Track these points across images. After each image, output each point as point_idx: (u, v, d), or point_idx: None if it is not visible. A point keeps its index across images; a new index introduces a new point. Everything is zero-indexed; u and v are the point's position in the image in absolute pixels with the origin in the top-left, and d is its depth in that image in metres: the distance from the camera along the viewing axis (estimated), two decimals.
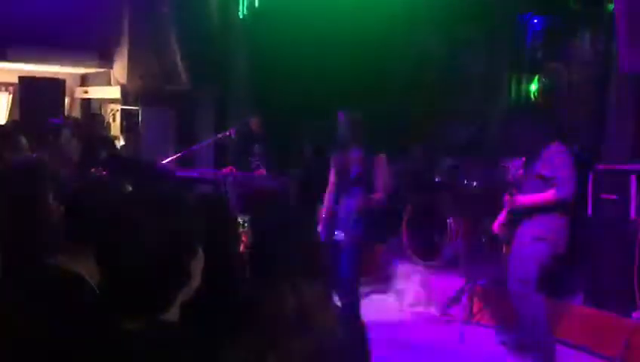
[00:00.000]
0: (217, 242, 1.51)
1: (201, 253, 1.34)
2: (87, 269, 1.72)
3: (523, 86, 7.43)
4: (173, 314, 1.31)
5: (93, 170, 3.30)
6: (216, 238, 1.51)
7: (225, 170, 6.28)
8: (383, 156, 4.73)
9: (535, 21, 7.33)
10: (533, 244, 4.22)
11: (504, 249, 4.48)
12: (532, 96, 7.35)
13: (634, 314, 4.43)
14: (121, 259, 1.25)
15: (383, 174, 4.70)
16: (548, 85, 7.16)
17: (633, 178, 4.67)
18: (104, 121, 8.12)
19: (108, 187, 1.84)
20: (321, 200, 5.01)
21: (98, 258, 1.31)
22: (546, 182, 4.19)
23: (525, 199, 4.28)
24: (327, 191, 4.97)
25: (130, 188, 1.89)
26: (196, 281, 1.34)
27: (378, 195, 4.68)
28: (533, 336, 4.25)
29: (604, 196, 4.79)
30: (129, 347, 1.25)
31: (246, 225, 2.17)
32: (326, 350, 1.66)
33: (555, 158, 4.22)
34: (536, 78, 7.26)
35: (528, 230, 4.26)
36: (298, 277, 1.71)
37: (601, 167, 5.45)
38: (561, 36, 7.15)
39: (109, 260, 1.28)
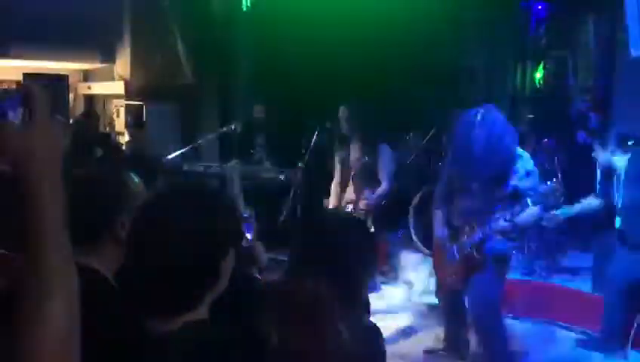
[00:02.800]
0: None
1: (232, 253, 1.31)
2: (102, 264, 1.70)
3: (527, 73, 7.40)
4: (201, 314, 1.28)
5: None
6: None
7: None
8: (385, 146, 4.71)
9: (539, 7, 7.29)
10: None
11: None
12: (537, 83, 7.32)
13: None
14: (152, 257, 1.22)
15: (385, 164, 4.69)
16: (553, 72, 7.12)
17: None
18: (99, 118, 8.08)
19: (120, 180, 1.81)
20: (327, 193, 5.02)
21: (127, 255, 1.29)
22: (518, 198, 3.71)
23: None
24: (332, 184, 4.97)
25: (138, 181, 1.86)
26: (225, 281, 1.32)
27: (382, 188, 4.66)
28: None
29: None
30: (152, 347, 1.23)
31: (250, 217, 2.16)
32: (336, 348, 1.65)
33: (534, 173, 3.75)
34: (541, 65, 7.21)
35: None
36: (319, 271, 1.70)
37: None
38: (566, 23, 7.11)
39: (140, 258, 1.25)
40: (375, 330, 1.85)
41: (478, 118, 3.62)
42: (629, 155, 4.24)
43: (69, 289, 0.89)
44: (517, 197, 3.67)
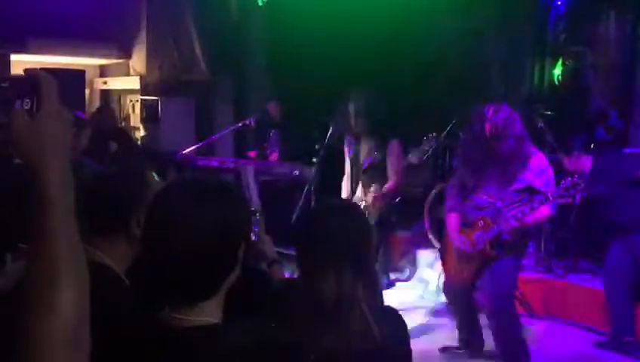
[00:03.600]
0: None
1: (243, 244, 1.32)
2: (114, 260, 1.69)
3: (546, 70, 7.31)
4: (216, 305, 1.28)
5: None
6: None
7: (250, 154, 6.32)
8: (395, 142, 4.69)
9: (559, 3, 7.19)
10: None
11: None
12: (555, 80, 7.22)
13: None
14: (168, 245, 1.23)
15: (395, 160, 4.66)
16: (572, 69, 7.03)
17: None
18: (114, 113, 8.12)
19: (139, 177, 1.80)
20: (339, 189, 5.00)
21: (143, 243, 1.30)
22: (531, 196, 3.71)
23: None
24: (344, 179, 4.94)
25: (155, 177, 1.85)
26: (237, 272, 1.32)
27: (390, 183, 4.63)
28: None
29: None
30: (164, 343, 1.22)
31: (258, 215, 2.15)
32: (361, 343, 1.63)
33: (548, 171, 3.76)
34: (560, 61, 7.12)
35: None
36: (343, 265, 1.69)
37: (627, 151, 5.36)
38: (586, 18, 7.01)
39: (156, 245, 1.26)
40: (394, 311, 1.85)
41: (490, 113, 3.68)
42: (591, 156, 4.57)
43: (78, 278, 0.89)
44: (532, 193, 3.67)
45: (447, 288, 4.26)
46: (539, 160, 3.75)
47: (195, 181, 1.39)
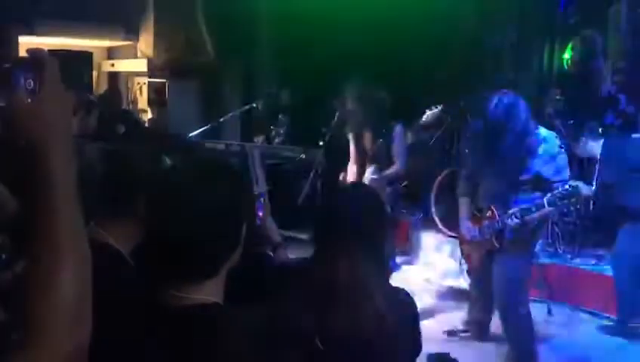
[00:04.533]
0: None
1: (245, 225, 1.34)
2: (119, 241, 1.70)
3: (556, 54, 7.23)
4: (218, 288, 1.29)
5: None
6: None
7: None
8: (399, 126, 4.68)
9: None
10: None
11: None
12: (565, 64, 7.14)
13: None
14: (170, 223, 1.25)
15: (398, 145, 4.65)
16: (582, 53, 6.95)
17: None
18: (121, 95, 8.12)
19: (149, 158, 1.80)
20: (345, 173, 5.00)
21: (147, 223, 1.32)
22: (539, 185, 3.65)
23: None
24: (349, 163, 4.94)
25: (167, 160, 1.85)
26: (239, 252, 1.34)
27: (393, 168, 4.62)
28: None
29: None
30: (166, 322, 1.23)
31: (263, 199, 2.14)
32: (373, 322, 1.64)
33: (560, 157, 3.66)
34: (570, 45, 7.03)
35: None
36: (356, 247, 1.69)
37: (637, 136, 5.31)
38: (596, 1, 6.92)
39: (158, 225, 1.28)
40: (406, 293, 1.86)
41: (492, 105, 3.59)
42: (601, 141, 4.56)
43: (79, 256, 0.89)
44: (540, 184, 3.61)
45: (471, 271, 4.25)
46: (551, 146, 3.65)
47: (198, 161, 1.41)
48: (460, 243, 4.15)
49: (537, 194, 3.62)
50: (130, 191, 1.70)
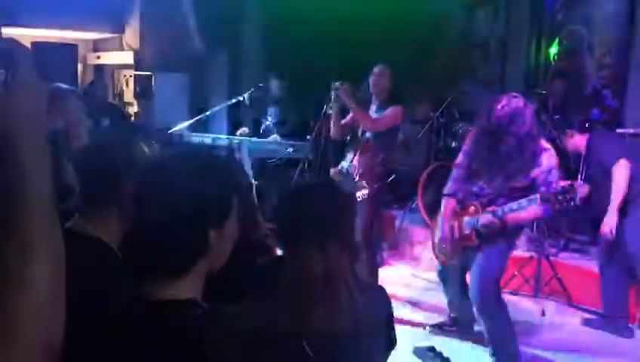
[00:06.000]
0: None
1: (229, 228, 1.30)
2: (107, 234, 1.69)
3: (543, 49, 7.26)
4: (193, 286, 1.27)
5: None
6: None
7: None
8: (397, 107, 4.73)
9: None
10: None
11: None
12: (552, 59, 7.18)
13: None
14: (146, 217, 1.24)
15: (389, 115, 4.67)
16: (568, 48, 6.98)
17: None
18: (107, 88, 8.06)
19: (130, 149, 1.78)
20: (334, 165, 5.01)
21: (125, 218, 1.32)
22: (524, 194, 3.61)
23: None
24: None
25: (147, 150, 1.83)
26: (220, 257, 1.31)
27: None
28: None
29: None
30: (154, 318, 1.22)
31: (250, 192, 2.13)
32: (348, 319, 1.64)
33: (554, 172, 3.62)
34: (557, 40, 7.07)
35: None
36: (328, 241, 1.68)
37: (621, 131, 5.36)
38: None
39: (134, 219, 1.27)
40: (383, 291, 1.85)
41: (498, 106, 3.55)
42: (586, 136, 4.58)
43: (53, 254, 0.88)
44: (533, 191, 3.57)
45: (440, 267, 4.26)
46: (550, 158, 3.62)
47: (179, 155, 1.38)
48: (435, 239, 4.14)
49: (512, 204, 3.59)
50: (111, 182, 1.68)
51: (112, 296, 1.32)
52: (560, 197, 3.36)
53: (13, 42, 0.90)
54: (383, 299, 1.83)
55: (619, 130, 5.52)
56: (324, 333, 1.62)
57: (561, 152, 4.74)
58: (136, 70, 8.38)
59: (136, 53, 8.43)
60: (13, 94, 0.87)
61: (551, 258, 5.27)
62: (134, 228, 1.27)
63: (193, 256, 1.25)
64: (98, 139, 2.23)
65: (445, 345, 4.20)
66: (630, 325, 4.52)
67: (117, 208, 1.68)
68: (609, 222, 4.28)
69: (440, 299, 4.68)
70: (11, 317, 0.83)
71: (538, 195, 3.48)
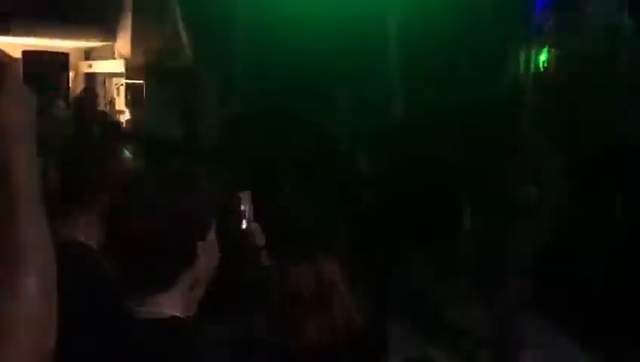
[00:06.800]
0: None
1: (211, 241, 1.29)
2: (88, 238, 1.68)
3: (532, 57, 7.31)
4: (175, 297, 1.26)
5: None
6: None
7: None
8: None
9: None
10: None
11: None
12: (541, 67, 7.23)
13: None
14: (124, 231, 1.23)
15: None
16: (558, 56, 7.03)
17: None
18: (97, 97, 8.05)
19: (108, 153, 1.79)
20: None
21: (109, 226, 1.30)
22: None
23: None
24: None
25: (129, 155, 1.84)
26: (204, 270, 1.29)
27: None
28: None
29: None
30: (118, 333, 1.23)
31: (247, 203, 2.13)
32: (342, 331, 1.64)
33: None
34: (546, 48, 7.12)
35: None
36: (319, 254, 1.68)
37: None
38: (570, 7, 7.00)
39: (112, 232, 1.27)
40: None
41: None
42: None
43: (44, 266, 0.87)
44: None
45: None
46: None
47: (159, 171, 1.39)
48: None
49: None
50: (87, 186, 1.70)
51: (98, 306, 1.33)
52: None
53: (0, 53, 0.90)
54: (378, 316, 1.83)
55: None
56: (321, 344, 1.62)
57: None
58: (127, 79, 8.39)
59: (128, 62, 8.44)
60: (1, 105, 0.86)
61: None
62: (118, 238, 1.26)
63: (178, 268, 1.24)
64: (81, 143, 2.25)
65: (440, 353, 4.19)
66: None
67: (99, 213, 1.67)
68: None
69: None
70: (2, 329, 0.82)
71: None
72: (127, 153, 1.84)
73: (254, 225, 2.16)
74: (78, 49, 9.32)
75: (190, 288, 1.28)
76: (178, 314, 1.24)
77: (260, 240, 2.15)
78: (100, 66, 9.04)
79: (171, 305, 1.24)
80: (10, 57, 0.89)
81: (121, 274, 1.26)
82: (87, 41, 9.01)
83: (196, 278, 1.28)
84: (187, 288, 1.27)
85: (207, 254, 1.30)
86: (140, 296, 1.24)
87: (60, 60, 8.50)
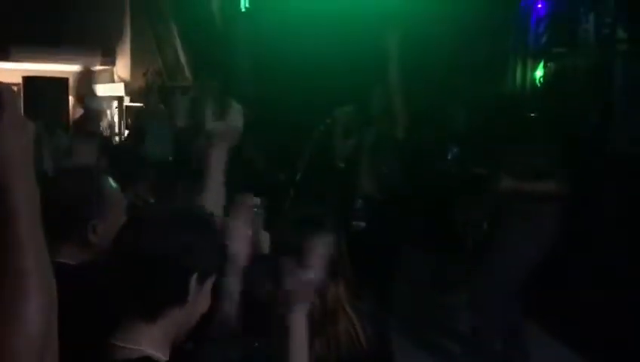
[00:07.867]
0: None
1: (206, 291, 1.29)
2: (71, 256, 1.66)
3: (528, 72, 7.36)
4: (157, 335, 1.23)
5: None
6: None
7: None
8: None
9: (539, 6, 7.26)
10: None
11: None
12: (537, 82, 7.28)
13: None
14: (114, 264, 1.24)
15: None
16: (553, 71, 7.09)
17: None
18: (94, 118, 8.06)
19: (93, 183, 1.76)
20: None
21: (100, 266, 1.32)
22: None
23: None
24: None
25: (115, 186, 1.82)
26: (198, 304, 1.29)
27: None
28: None
29: None
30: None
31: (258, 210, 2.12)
32: (347, 349, 1.63)
33: None
34: (541, 63, 7.18)
35: None
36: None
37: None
38: (566, 21, 7.07)
39: (105, 266, 1.28)
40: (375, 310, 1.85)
41: None
42: None
43: (44, 291, 0.88)
44: None
45: None
46: None
47: (155, 211, 1.41)
48: None
49: None
50: (73, 215, 1.66)
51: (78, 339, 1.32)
52: None
53: None
54: (381, 323, 1.83)
55: None
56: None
57: None
58: (127, 102, 8.44)
59: (127, 85, 8.50)
60: (0, 134, 0.87)
61: None
62: (113, 266, 1.26)
63: (167, 303, 1.22)
64: (67, 170, 2.24)
65: None
66: None
67: (80, 242, 1.67)
68: None
69: None
70: (6, 353, 0.83)
71: None
72: (113, 183, 1.81)
73: (264, 234, 2.13)
74: (77, 73, 9.39)
75: (175, 331, 1.26)
76: (154, 354, 1.20)
77: (266, 249, 2.14)
78: (100, 90, 9.09)
79: (151, 342, 1.21)
80: (7, 86, 0.90)
81: (107, 296, 1.24)
82: (86, 65, 9.08)
83: (183, 321, 1.26)
84: (171, 329, 1.25)
85: (200, 299, 1.28)
86: (123, 326, 1.21)
87: (60, 85, 8.55)
